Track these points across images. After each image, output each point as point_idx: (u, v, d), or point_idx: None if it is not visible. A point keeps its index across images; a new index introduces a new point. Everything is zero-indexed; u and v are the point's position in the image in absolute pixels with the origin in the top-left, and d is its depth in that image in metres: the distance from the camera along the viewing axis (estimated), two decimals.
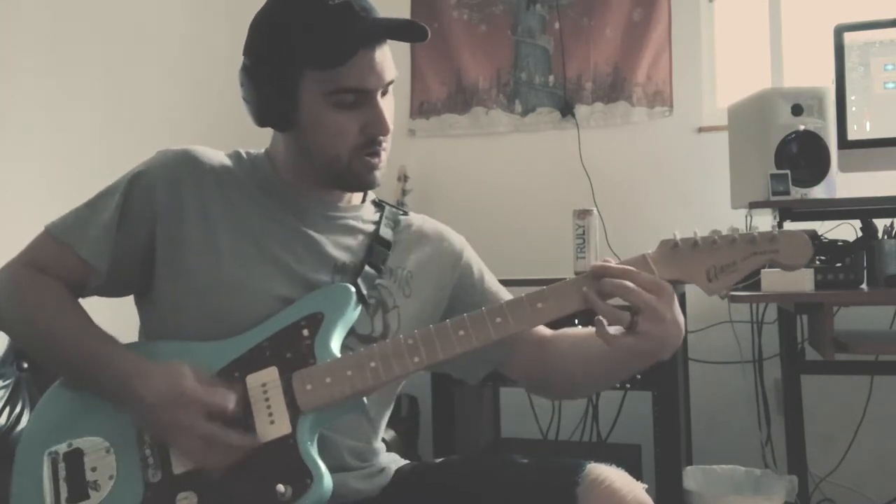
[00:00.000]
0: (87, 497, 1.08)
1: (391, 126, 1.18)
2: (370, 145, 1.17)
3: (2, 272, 1.20)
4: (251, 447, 1.06)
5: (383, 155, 1.20)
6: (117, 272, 1.18)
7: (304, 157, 1.20)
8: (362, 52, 1.11)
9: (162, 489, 1.06)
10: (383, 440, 1.27)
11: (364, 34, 1.12)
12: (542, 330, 1.27)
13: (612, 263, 1.08)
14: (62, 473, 1.09)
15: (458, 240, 1.37)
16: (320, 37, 1.11)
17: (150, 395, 1.05)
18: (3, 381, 1.59)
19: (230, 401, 1.06)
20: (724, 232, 1.13)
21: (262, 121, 1.18)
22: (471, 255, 1.37)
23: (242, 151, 1.27)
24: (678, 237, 1.12)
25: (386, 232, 1.28)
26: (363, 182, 1.22)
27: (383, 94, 1.17)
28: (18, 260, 1.20)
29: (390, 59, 1.17)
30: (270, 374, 1.10)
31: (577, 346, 1.22)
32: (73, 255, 1.17)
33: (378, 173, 1.20)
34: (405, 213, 1.35)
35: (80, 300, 1.20)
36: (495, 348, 1.19)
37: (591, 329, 1.13)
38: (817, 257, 1.99)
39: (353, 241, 1.25)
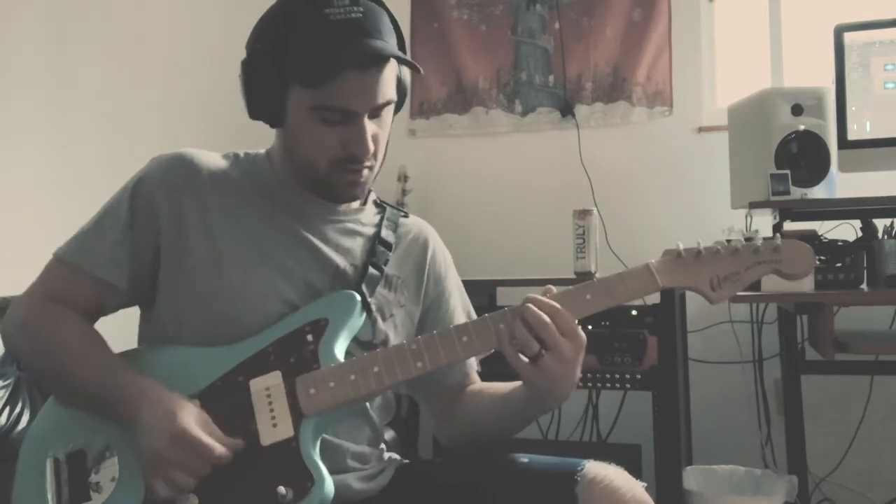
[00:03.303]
0: (89, 499, 1.08)
1: (372, 148, 1.16)
2: (350, 162, 1.16)
3: (16, 305, 1.19)
4: (244, 464, 1.05)
5: (365, 173, 1.18)
6: (136, 285, 1.18)
7: (289, 158, 1.21)
8: (351, 74, 1.10)
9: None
10: (384, 439, 1.28)
11: (352, 58, 1.10)
12: (472, 374, 1.32)
13: (547, 297, 1.09)
14: (64, 475, 1.09)
15: (443, 259, 1.37)
16: (309, 54, 1.10)
17: (148, 425, 1.04)
18: (3, 381, 1.59)
19: (216, 448, 1.03)
20: (727, 237, 1.13)
21: (253, 115, 1.19)
22: (452, 282, 1.36)
23: (241, 152, 1.27)
24: (681, 247, 1.13)
25: (387, 234, 1.28)
26: (340, 195, 1.22)
27: (373, 115, 1.15)
28: (31, 292, 1.19)
29: (387, 81, 1.14)
30: (274, 378, 1.10)
31: (492, 399, 1.25)
32: (89, 277, 1.16)
33: (357, 189, 1.20)
34: (405, 215, 1.35)
35: (102, 317, 1.20)
36: (454, 372, 1.27)
37: (505, 385, 1.20)
38: (817, 257, 1.99)
39: (354, 245, 1.25)
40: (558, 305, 1.08)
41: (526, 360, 1.07)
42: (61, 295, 1.17)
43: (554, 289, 1.11)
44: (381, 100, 1.14)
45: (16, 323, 1.18)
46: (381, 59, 1.13)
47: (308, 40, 1.10)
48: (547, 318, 1.06)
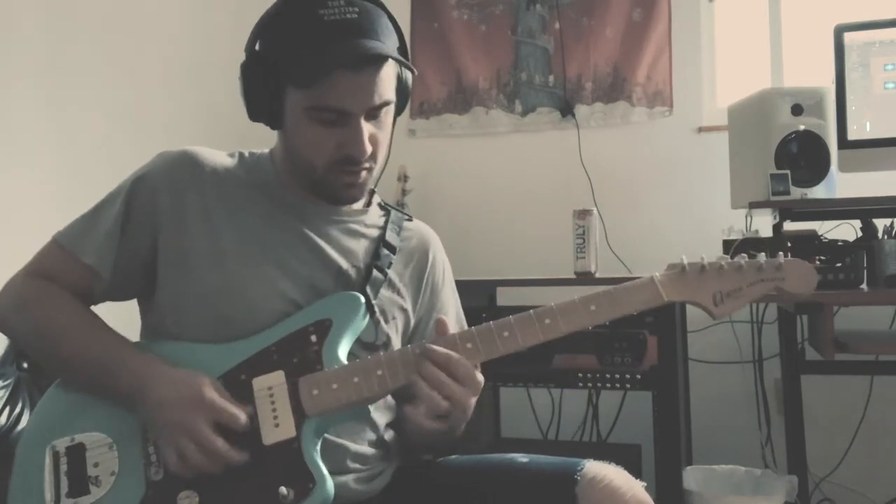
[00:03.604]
0: (88, 492, 1.08)
1: (369, 149, 1.15)
2: (348, 163, 1.16)
3: (10, 283, 1.20)
4: (245, 463, 1.06)
5: (364, 174, 1.18)
6: (121, 276, 1.18)
7: (289, 159, 1.21)
8: (345, 73, 1.10)
9: (163, 487, 1.07)
10: (384, 441, 1.27)
11: (344, 57, 1.09)
12: None
13: (439, 347, 1.09)
14: (63, 468, 1.10)
15: (442, 268, 1.36)
16: (302, 54, 1.10)
17: (167, 395, 1.06)
18: (3, 381, 1.59)
19: (241, 416, 1.06)
20: (726, 237, 1.14)
21: (253, 117, 1.19)
22: (448, 294, 1.37)
23: (245, 152, 1.28)
24: (686, 261, 1.13)
25: (392, 237, 1.28)
26: (338, 197, 1.21)
27: (371, 116, 1.15)
28: (26, 270, 1.21)
29: (385, 82, 1.14)
30: (277, 378, 1.10)
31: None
32: (78, 262, 1.17)
33: (356, 191, 1.20)
34: (409, 219, 1.35)
35: (93, 306, 1.21)
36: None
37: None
38: (817, 257, 1.99)
39: (357, 246, 1.25)
40: (452, 354, 1.08)
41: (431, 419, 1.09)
42: (53, 276, 1.18)
43: (447, 329, 1.12)
44: (377, 101, 1.13)
45: (10, 305, 1.19)
46: (374, 59, 1.12)
47: (302, 41, 1.10)
48: (445, 377, 1.06)
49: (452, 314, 1.35)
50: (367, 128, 1.14)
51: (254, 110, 1.18)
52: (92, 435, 1.11)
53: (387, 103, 1.16)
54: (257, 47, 1.16)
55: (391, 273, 1.26)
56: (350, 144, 1.14)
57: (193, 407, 1.04)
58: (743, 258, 1.14)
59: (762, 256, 1.14)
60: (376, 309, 1.20)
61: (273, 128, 1.21)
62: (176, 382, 1.07)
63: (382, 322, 1.22)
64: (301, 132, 1.15)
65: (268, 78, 1.14)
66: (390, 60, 1.14)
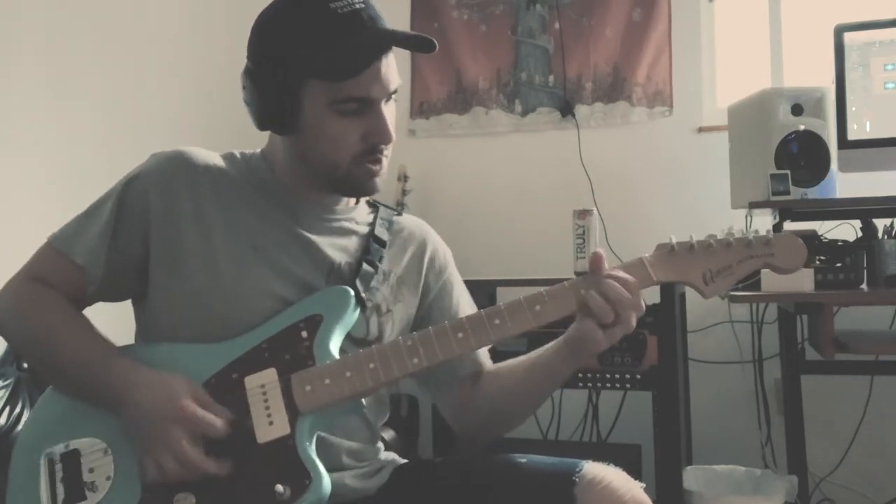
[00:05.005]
0: (84, 498, 1.08)
1: (394, 134, 1.17)
2: (371, 153, 1.16)
3: (6, 287, 1.21)
4: (223, 475, 1.05)
5: (384, 161, 1.19)
6: (113, 276, 1.18)
7: (303, 162, 1.19)
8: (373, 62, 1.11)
9: (159, 490, 1.06)
10: (382, 439, 1.27)
11: (374, 46, 1.11)
12: (485, 361, 1.31)
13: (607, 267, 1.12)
14: (59, 474, 1.09)
15: (443, 252, 1.37)
16: (329, 49, 1.10)
17: (146, 403, 1.05)
18: (3, 381, 1.59)
19: (217, 423, 1.05)
20: (721, 234, 1.14)
21: (262, 124, 1.18)
22: (453, 274, 1.37)
23: (237, 152, 1.27)
24: (674, 241, 1.13)
25: (381, 232, 1.28)
26: (363, 189, 1.22)
27: (387, 101, 1.16)
28: (22, 273, 1.21)
29: (395, 67, 1.16)
30: (269, 376, 1.10)
31: (517, 377, 1.25)
32: (71, 263, 1.17)
33: (378, 180, 1.20)
34: (399, 214, 1.35)
35: (87, 307, 1.21)
36: (466, 362, 1.26)
37: (522, 360, 1.22)
38: (817, 257, 1.99)
39: (349, 243, 1.25)
40: (632, 279, 1.10)
41: (599, 329, 1.09)
42: (47, 278, 1.18)
43: (602, 253, 1.13)
44: (394, 84, 1.15)
45: (6, 309, 1.19)
46: (402, 42, 1.15)
47: (325, 37, 1.10)
48: (627, 295, 1.08)
49: (463, 293, 1.36)
50: (386, 112, 1.15)
51: (265, 116, 1.16)
52: (86, 441, 1.11)
53: (399, 86, 1.18)
54: (266, 50, 1.15)
55: (383, 266, 1.26)
56: (375, 132, 1.14)
57: (169, 417, 1.04)
58: (731, 235, 1.13)
59: (752, 232, 1.14)
60: (368, 303, 1.20)
61: (284, 133, 1.18)
62: (153, 390, 1.06)
63: (376, 316, 1.22)
64: (322, 129, 1.14)
65: (282, 80, 1.12)
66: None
